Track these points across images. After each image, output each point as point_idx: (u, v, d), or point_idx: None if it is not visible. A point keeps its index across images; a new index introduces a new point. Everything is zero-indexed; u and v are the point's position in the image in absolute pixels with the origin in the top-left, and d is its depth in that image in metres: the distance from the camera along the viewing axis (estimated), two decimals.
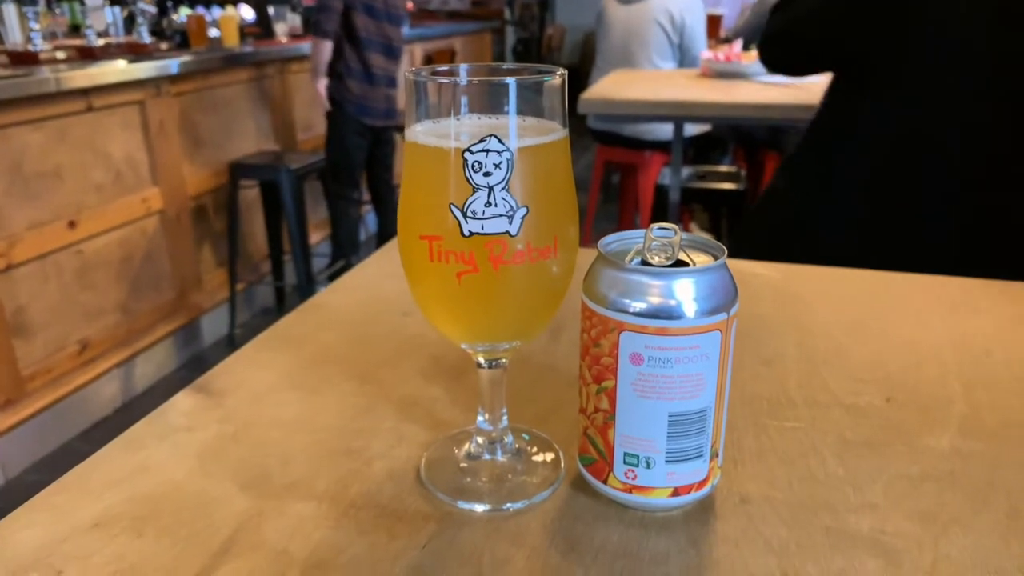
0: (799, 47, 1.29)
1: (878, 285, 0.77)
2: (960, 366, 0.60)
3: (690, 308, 0.38)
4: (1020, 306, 0.71)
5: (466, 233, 0.40)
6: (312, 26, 2.93)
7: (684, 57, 3.09)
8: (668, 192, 2.32)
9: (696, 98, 1.93)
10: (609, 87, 2.14)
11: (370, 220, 3.98)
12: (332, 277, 3.22)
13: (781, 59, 1.36)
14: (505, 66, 0.42)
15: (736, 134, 3.39)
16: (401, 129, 3.26)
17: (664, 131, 2.99)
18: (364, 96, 3.01)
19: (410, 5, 5.42)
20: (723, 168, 3.15)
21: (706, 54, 2.34)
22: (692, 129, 3.12)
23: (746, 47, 2.47)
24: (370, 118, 3.05)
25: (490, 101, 0.40)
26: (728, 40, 3.20)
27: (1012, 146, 1.08)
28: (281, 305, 3.35)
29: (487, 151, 0.38)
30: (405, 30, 3.32)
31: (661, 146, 3.05)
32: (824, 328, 0.67)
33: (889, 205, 1.14)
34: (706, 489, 0.42)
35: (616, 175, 4.02)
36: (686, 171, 2.86)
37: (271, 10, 3.85)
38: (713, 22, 3.40)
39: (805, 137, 1.28)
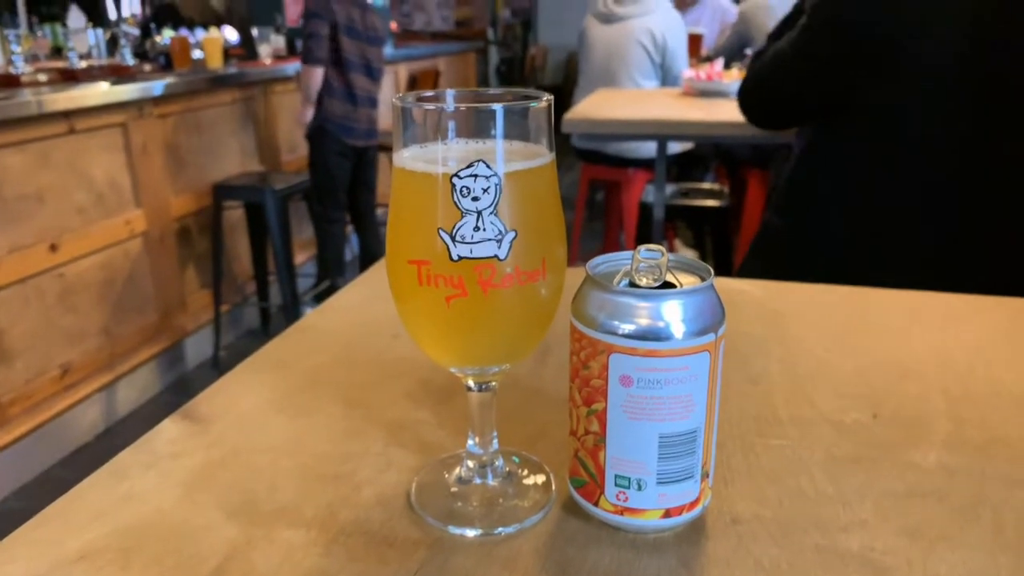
0: (774, 102, 1.34)
1: (860, 301, 0.77)
2: (944, 382, 0.60)
3: (679, 329, 0.38)
4: (1002, 322, 0.72)
5: (455, 257, 0.40)
6: (303, 54, 2.90)
7: (666, 76, 3.12)
8: (652, 209, 2.34)
9: (678, 117, 1.95)
10: (592, 106, 2.16)
11: (355, 240, 3.97)
12: (318, 297, 3.21)
13: (759, 113, 1.41)
14: (491, 91, 0.42)
15: (718, 152, 3.43)
16: (383, 148, 3.28)
17: (647, 149, 3.01)
18: (346, 116, 3.02)
19: (394, 26, 5.45)
20: (706, 185, 3.18)
21: (688, 73, 2.37)
22: (675, 147, 3.15)
23: (727, 66, 2.50)
24: (352, 138, 3.06)
25: (477, 126, 0.40)
26: (709, 59, 3.24)
27: (996, 165, 1.10)
28: (266, 326, 3.33)
29: (475, 176, 0.39)
30: (388, 51, 3.33)
31: (645, 164, 3.08)
32: (808, 345, 0.67)
33: (878, 220, 1.16)
34: (697, 510, 0.42)
35: (601, 192, 4.04)
36: (670, 188, 2.88)
37: (255, 32, 3.86)
38: (694, 41, 3.45)
39: (793, 168, 1.29)
